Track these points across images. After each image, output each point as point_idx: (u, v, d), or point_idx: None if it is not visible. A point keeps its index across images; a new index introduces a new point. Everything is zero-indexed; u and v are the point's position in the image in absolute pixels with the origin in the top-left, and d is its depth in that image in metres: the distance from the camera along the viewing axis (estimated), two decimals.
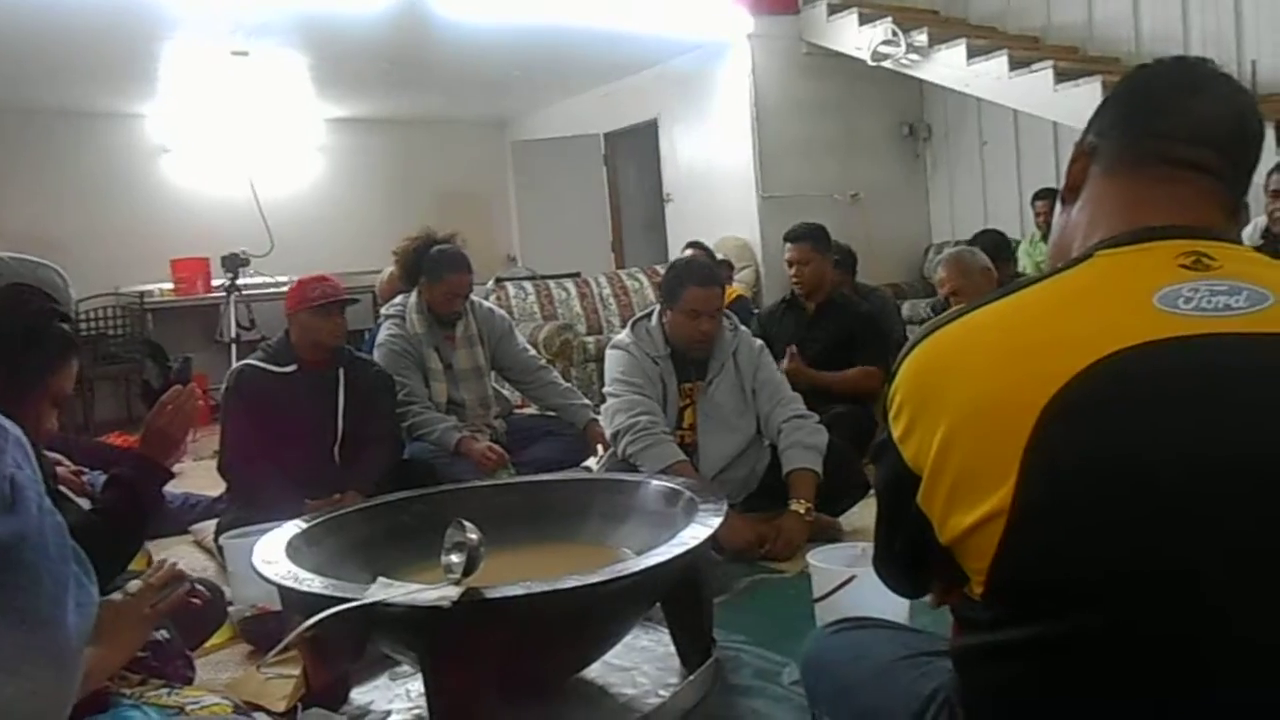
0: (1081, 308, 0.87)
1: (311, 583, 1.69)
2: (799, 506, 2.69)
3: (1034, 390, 0.82)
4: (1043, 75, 5.67)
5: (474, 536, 1.57)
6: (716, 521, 1.87)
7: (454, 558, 1.58)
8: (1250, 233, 3.63)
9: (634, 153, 8.23)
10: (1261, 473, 0.79)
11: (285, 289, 6.77)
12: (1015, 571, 0.86)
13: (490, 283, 6.74)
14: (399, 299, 3.65)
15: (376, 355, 3.52)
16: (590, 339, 6.11)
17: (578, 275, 6.78)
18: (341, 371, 3.07)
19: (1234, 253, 0.89)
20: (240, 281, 6.18)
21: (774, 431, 2.90)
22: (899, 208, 7.44)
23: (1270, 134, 4.78)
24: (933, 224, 7.61)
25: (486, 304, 3.85)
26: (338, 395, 3.04)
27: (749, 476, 2.93)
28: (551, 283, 6.61)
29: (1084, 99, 5.44)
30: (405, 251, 3.64)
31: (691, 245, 4.90)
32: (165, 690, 1.53)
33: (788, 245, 3.81)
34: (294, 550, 1.89)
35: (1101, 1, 6.45)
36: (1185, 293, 0.84)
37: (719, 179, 7.15)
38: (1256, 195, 3.87)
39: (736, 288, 4.99)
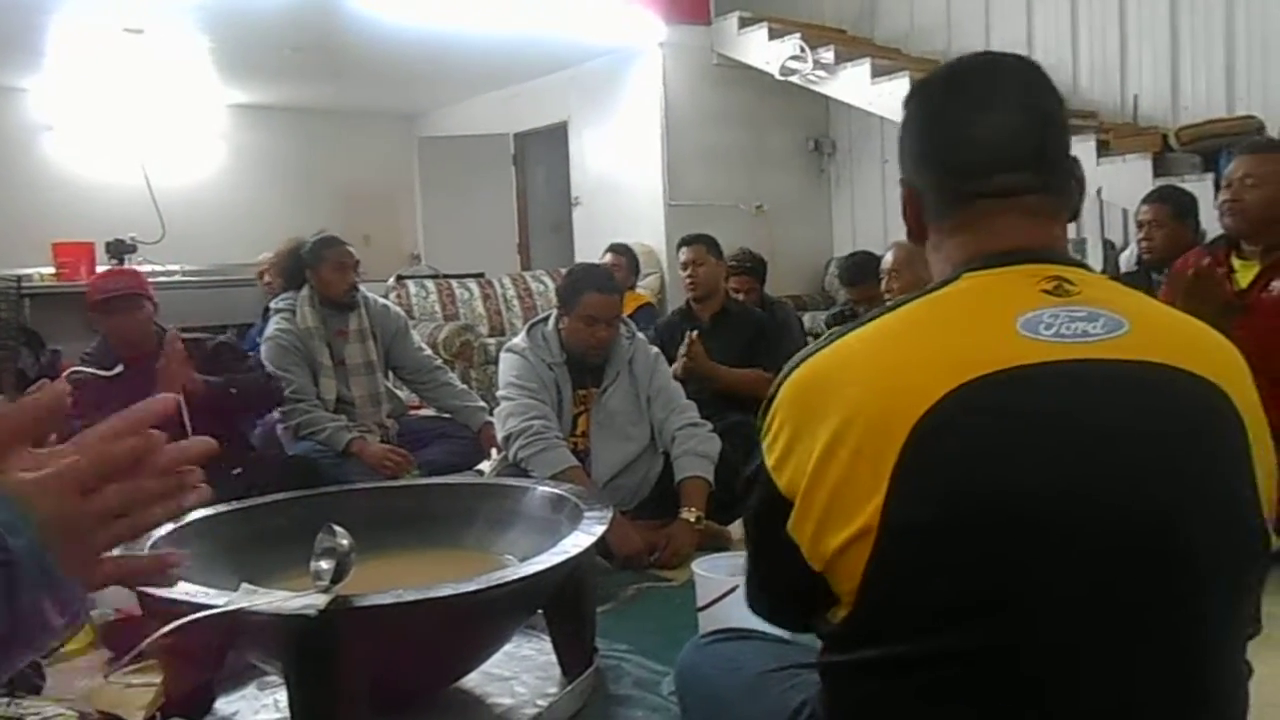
0: (949, 328, 0.89)
1: (172, 588, 1.61)
2: (689, 515, 2.70)
3: (904, 410, 0.83)
4: None
5: (344, 542, 1.52)
6: (601, 529, 1.86)
7: (323, 564, 1.53)
8: (1126, 258, 3.79)
9: (543, 154, 8.18)
10: (1107, 503, 0.81)
11: (178, 279, 6.64)
12: (879, 592, 0.86)
13: (391, 280, 6.61)
14: (288, 293, 3.54)
15: (263, 350, 3.41)
16: (492, 340, 6.04)
17: (481, 276, 6.71)
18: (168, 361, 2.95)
19: (1092, 279, 0.92)
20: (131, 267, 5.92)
21: (667, 439, 2.90)
22: (803, 221, 7.57)
23: (1146, 165, 5.03)
24: (835, 238, 7.76)
25: (381, 300, 3.78)
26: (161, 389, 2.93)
27: (641, 484, 2.93)
28: (454, 282, 6.52)
29: None
30: (281, 256, 3.58)
31: (613, 249, 4.85)
32: (4, 700, 1.44)
33: (682, 249, 3.88)
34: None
35: (998, 30, 6.68)
36: (1046, 319, 0.85)
37: (627, 184, 7.16)
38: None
39: (642, 294, 4.97)
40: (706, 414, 3.16)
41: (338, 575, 1.51)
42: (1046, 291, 0.88)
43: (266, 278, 4.50)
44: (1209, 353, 0.89)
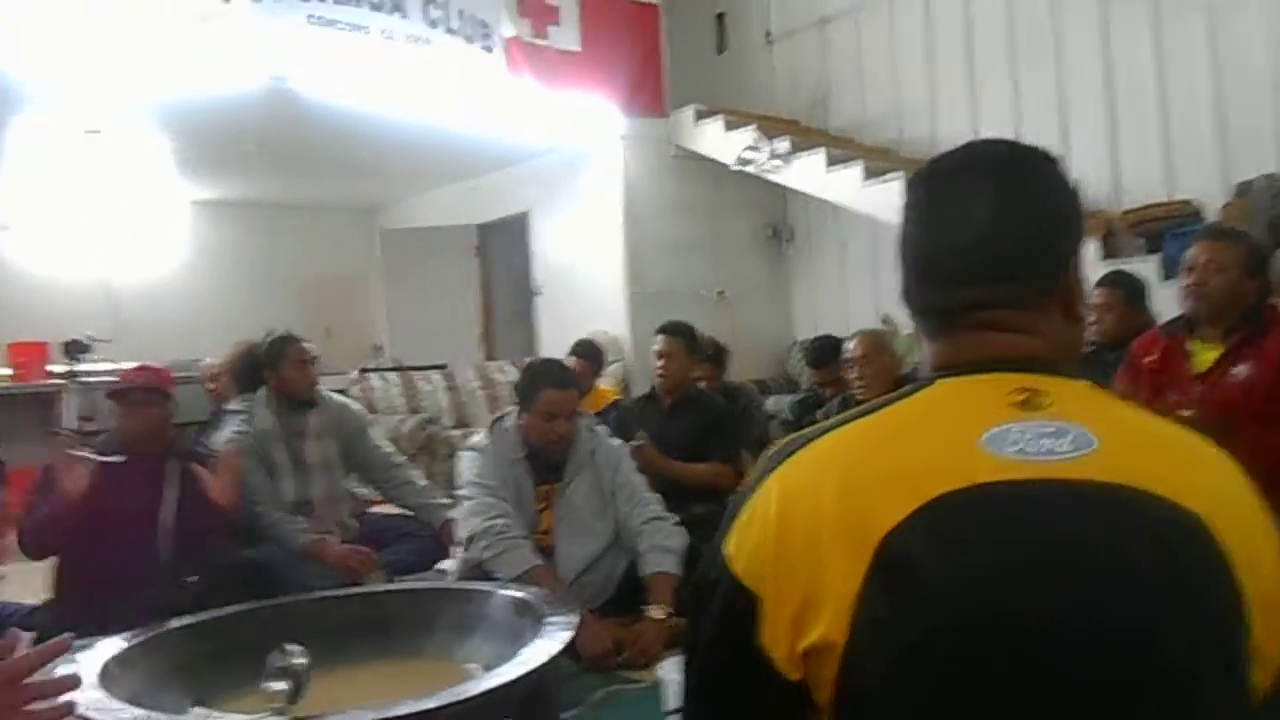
0: (917, 439, 0.87)
1: (122, 713, 1.55)
2: (658, 612, 2.66)
3: (870, 528, 0.81)
4: (895, 185, 5.99)
5: (300, 661, 1.48)
6: (567, 636, 1.82)
7: (278, 684, 1.48)
8: None
9: (505, 245, 8.26)
10: (1066, 628, 0.78)
11: None
12: (849, 712, 0.84)
13: (354, 373, 6.58)
14: (244, 396, 3.50)
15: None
16: (456, 433, 6.00)
17: (444, 367, 6.69)
18: (175, 463, 2.93)
19: (1067, 388, 0.88)
20: (84, 368, 5.84)
21: (633, 533, 2.87)
22: (763, 306, 7.66)
23: (1094, 247, 5.17)
24: (795, 322, 7.86)
25: (340, 398, 3.75)
26: (160, 487, 2.89)
27: (607, 580, 2.89)
28: (417, 375, 6.50)
29: None
30: (234, 359, 3.56)
31: (574, 351, 4.74)
32: None
33: (658, 336, 3.90)
34: (108, 675, 1.74)
35: (946, 120, 6.90)
36: (1013, 435, 0.83)
37: (589, 273, 7.23)
38: None
39: (609, 391, 4.95)
40: (670, 505, 3.14)
41: (294, 695, 1.46)
42: (1016, 404, 0.86)
43: (212, 384, 4.43)
44: (1190, 475, 0.84)
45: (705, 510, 3.50)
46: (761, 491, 0.90)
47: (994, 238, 0.92)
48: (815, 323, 7.69)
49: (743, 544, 0.89)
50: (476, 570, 2.66)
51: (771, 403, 6.73)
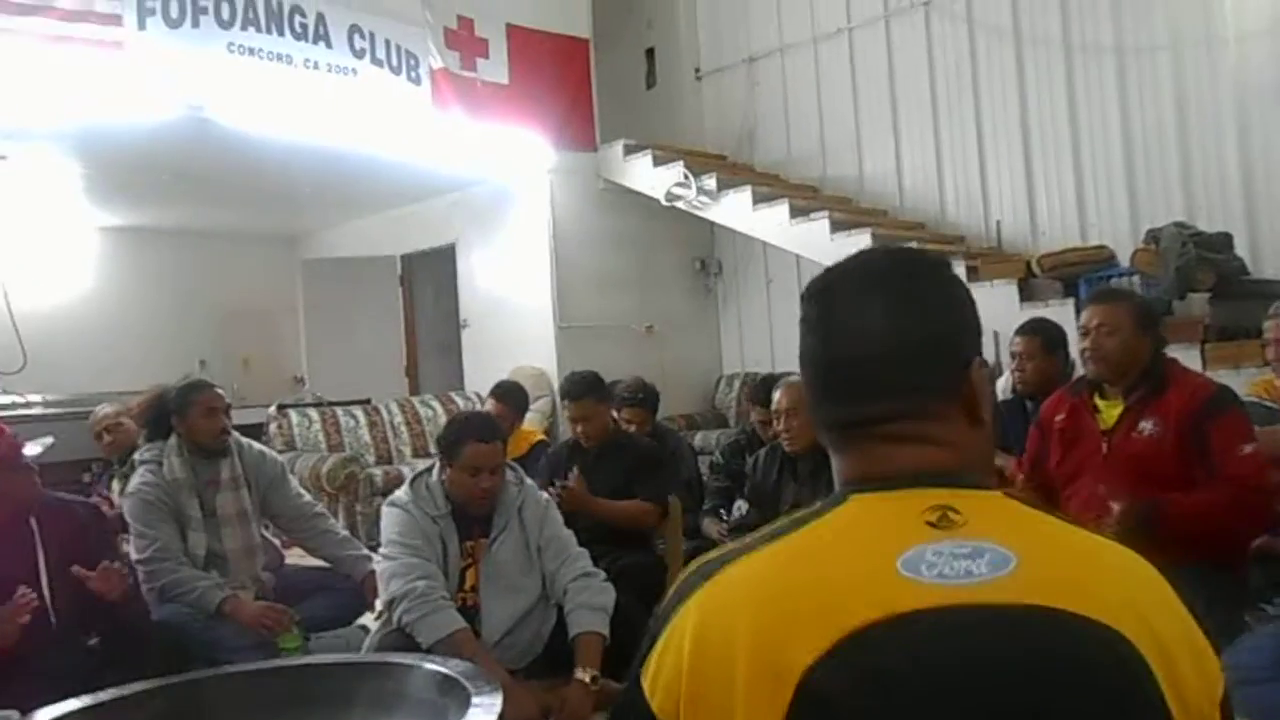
0: (832, 567, 0.85)
1: None
2: (584, 675, 2.60)
3: (788, 664, 0.79)
4: (820, 224, 6.07)
5: None
6: (491, 717, 1.76)
7: None
8: (1002, 387, 3.93)
9: (431, 276, 8.14)
10: None
11: (37, 410, 6.26)
12: None
13: (272, 409, 6.39)
14: (154, 444, 3.35)
15: (125, 506, 3.21)
16: (378, 470, 5.87)
17: (368, 402, 6.55)
18: (34, 522, 2.76)
19: (980, 502, 0.88)
20: None
21: (559, 591, 2.81)
22: (692, 340, 7.68)
23: (1013, 291, 5.30)
24: (724, 356, 7.89)
25: (257, 446, 3.60)
26: (35, 550, 2.72)
27: (534, 640, 2.82)
28: (339, 410, 6.34)
29: (855, 248, 5.76)
30: (143, 406, 3.40)
31: (494, 394, 4.59)
32: None
33: (567, 402, 3.79)
34: None
35: (870, 159, 7.04)
36: (929, 556, 0.82)
37: (517, 306, 7.16)
38: None
39: (533, 431, 4.87)
40: (596, 553, 3.10)
41: None
42: (930, 523, 0.85)
43: (108, 435, 4.23)
44: (1111, 590, 0.83)
45: (631, 560, 3.49)
46: (679, 616, 0.88)
47: (895, 349, 0.92)
48: (743, 357, 7.75)
49: (659, 675, 0.87)
50: (398, 635, 2.57)
51: (699, 438, 6.73)
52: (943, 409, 0.93)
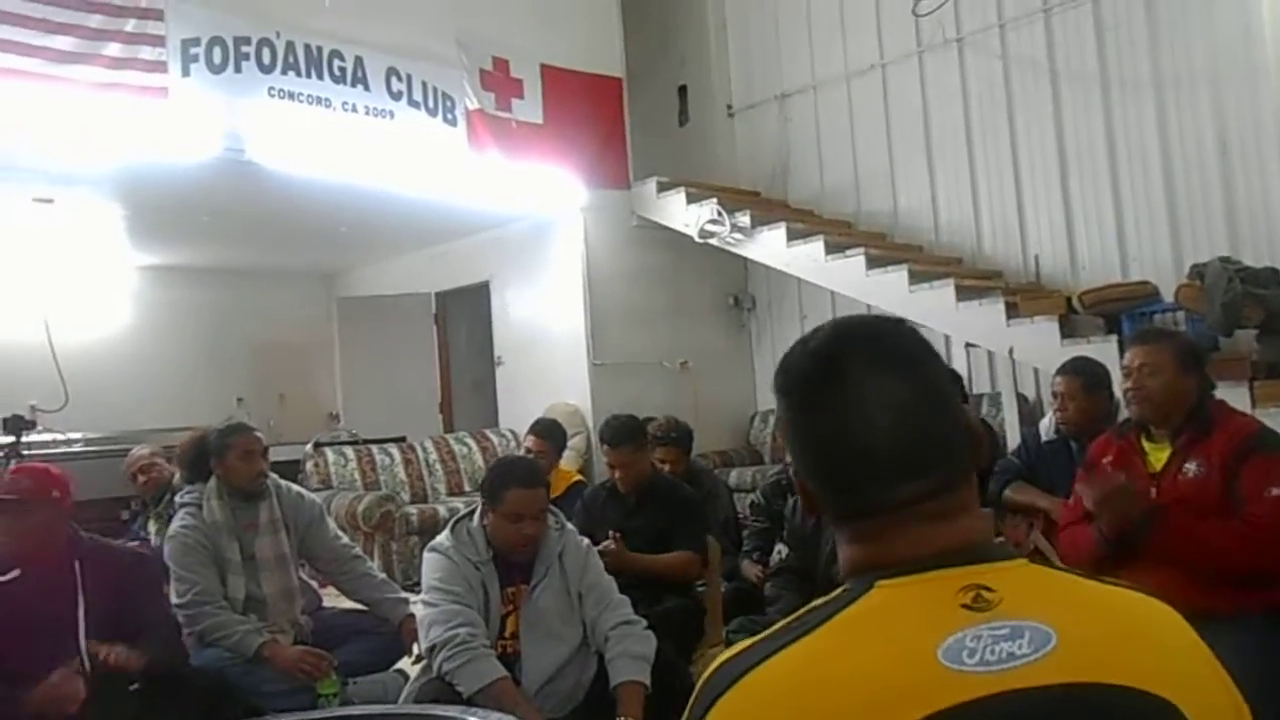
0: (873, 659, 0.81)
1: None
2: None
3: None
4: (856, 261, 6.04)
5: None
6: None
7: None
8: (1045, 427, 3.86)
9: (465, 313, 8.18)
10: None
11: (79, 448, 6.32)
12: None
13: (308, 447, 6.42)
14: (194, 486, 3.37)
15: (166, 549, 3.22)
16: (414, 509, 5.86)
17: (403, 440, 6.56)
18: (78, 565, 2.77)
19: (1009, 574, 0.85)
20: (28, 438, 5.62)
21: (600, 639, 2.77)
22: (726, 376, 7.64)
23: (1054, 327, 5.22)
24: (758, 392, 7.84)
25: (295, 488, 3.61)
26: (73, 594, 2.72)
27: (575, 687, 2.77)
28: (375, 448, 6.36)
29: (892, 285, 5.84)
30: (185, 448, 3.42)
31: (534, 430, 4.47)
32: None
33: (607, 448, 3.72)
34: None
35: (905, 194, 7.01)
36: (969, 643, 0.79)
37: (551, 343, 7.17)
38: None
39: (570, 471, 4.83)
40: (638, 597, 3.05)
41: None
42: (965, 606, 0.81)
43: (142, 476, 4.26)
44: (1152, 656, 0.82)
45: (676, 605, 3.45)
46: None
47: (926, 422, 0.89)
48: None
49: None
50: (438, 683, 2.54)
51: (734, 475, 6.68)
52: (965, 476, 0.90)
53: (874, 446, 0.88)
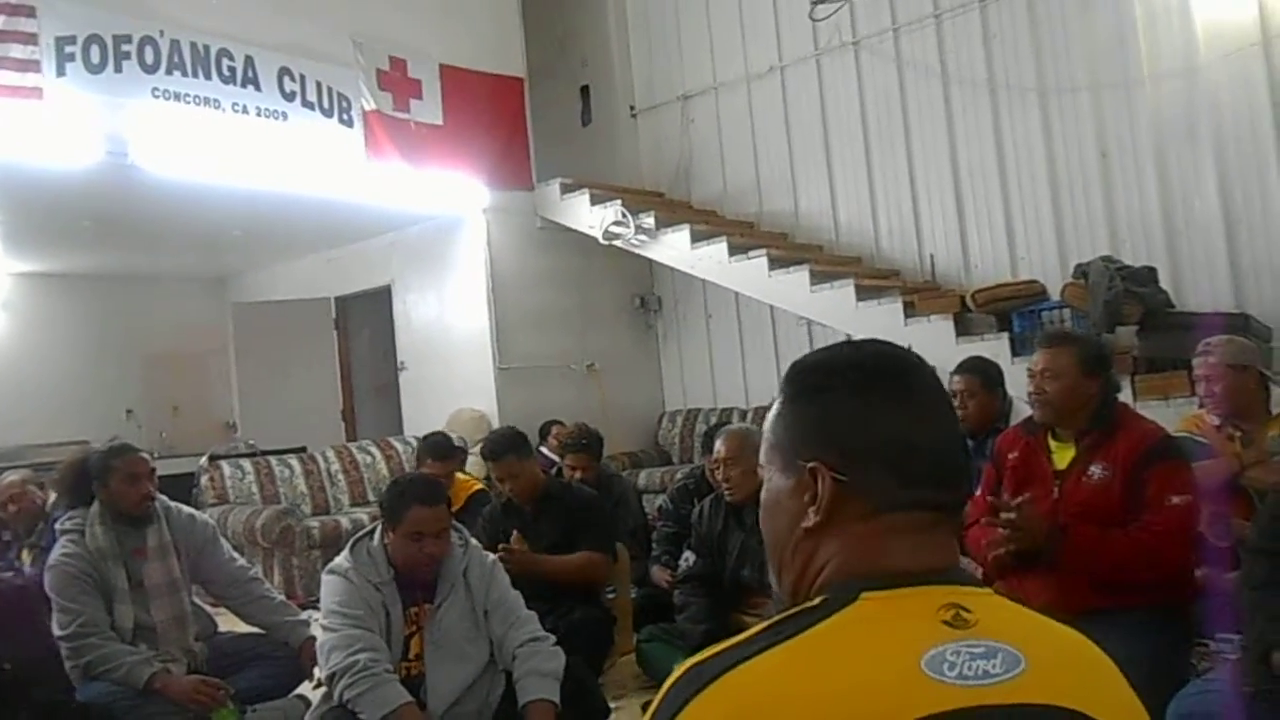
0: (858, 666, 0.83)
1: None
2: None
3: None
4: (759, 262, 6.11)
5: None
6: None
7: None
8: None
9: (366, 318, 8.00)
10: None
11: None
12: None
13: (204, 460, 6.19)
14: (75, 511, 3.20)
15: (47, 579, 3.05)
16: (315, 522, 5.70)
17: (304, 450, 6.38)
18: None
19: (980, 599, 0.89)
20: None
21: (508, 656, 2.73)
22: (633, 377, 7.65)
23: (949, 325, 5.38)
24: (665, 392, 7.88)
25: (186, 510, 3.46)
26: None
27: (482, 708, 2.73)
28: (273, 459, 6.17)
29: (794, 285, 5.93)
30: (64, 471, 3.26)
31: (431, 451, 4.47)
32: None
33: (491, 465, 3.67)
34: None
35: (805, 195, 7.12)
36: (949, 657, 0.83)
37: (455, 348, 7.06)
38: None
39: (472, 480, 4.74)
40: (547, 609, 3.02)
41: None
42: (946, 623, 0.85)
43: (11, 506, 4.05)
44: (1103, 688, 0.89)
45: (586, 615, 3.43)
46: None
47: (959, 442, 0.97)
48: (684, 394, 7.74)
49: None
50: (339, 712, 2.47)
51: (643, 476, 6.69)
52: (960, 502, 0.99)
53: (937, 447, 0.94)
